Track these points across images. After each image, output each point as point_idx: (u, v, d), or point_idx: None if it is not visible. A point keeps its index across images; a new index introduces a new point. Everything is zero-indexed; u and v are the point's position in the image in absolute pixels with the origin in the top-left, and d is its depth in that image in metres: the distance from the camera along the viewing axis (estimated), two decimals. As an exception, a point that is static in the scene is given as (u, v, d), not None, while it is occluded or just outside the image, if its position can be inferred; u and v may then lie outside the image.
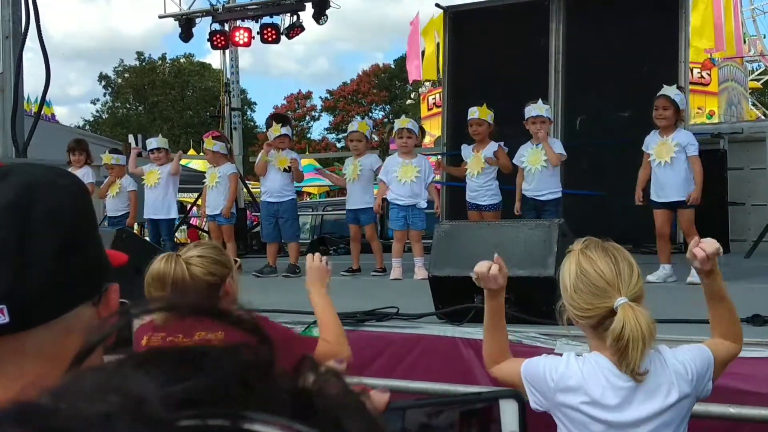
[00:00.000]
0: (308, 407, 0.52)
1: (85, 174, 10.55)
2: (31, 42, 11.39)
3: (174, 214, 10.47)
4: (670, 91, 7.47)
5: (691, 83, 15.19)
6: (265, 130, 10.09)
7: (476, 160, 8.56)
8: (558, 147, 8.17)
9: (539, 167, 8.05)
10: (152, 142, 10.61)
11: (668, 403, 2.60)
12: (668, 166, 7.32)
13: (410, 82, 31.31)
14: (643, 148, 7.55)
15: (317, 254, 3.55)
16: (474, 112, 8.61)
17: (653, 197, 7.51)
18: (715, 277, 2.82)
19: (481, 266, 2.89)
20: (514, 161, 8.33)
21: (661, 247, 7.46)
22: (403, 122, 9.07)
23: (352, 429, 0.52)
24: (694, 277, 6.99)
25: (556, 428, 2.77)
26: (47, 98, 13.02)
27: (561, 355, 2.81)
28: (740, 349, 2.86)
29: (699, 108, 19.26)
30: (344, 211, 9.82)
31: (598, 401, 2.62)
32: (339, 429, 0.52)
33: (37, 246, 1.08)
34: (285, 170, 9.32)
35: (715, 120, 18.99)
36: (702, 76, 19.91)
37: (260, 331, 0.58)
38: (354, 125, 9.73)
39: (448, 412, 0.81)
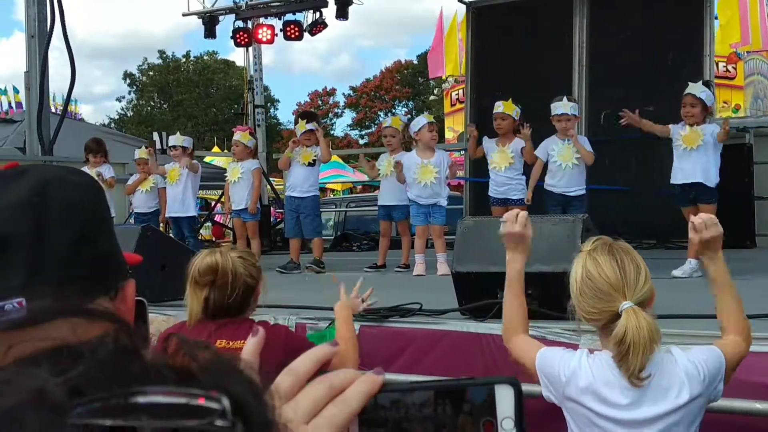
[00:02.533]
0: (188, 375, 0.55)
1: (104, 170, 10.64)
2: (57, 40, 11.45)
3: (193, 211, 10.46)
4: (696, 89, 7.48)
5: (717, 77, 15.05)
6: (288, 126, 10.13)
7: (502, 155, 8.54)
8: (588, 145, 8.18)
9: (570, 164, 8.04)
10: (171, 140, 10.69)
11: (678, 404, 2.59)
12: (694, 151, 7.42)
13: (430, 77, 31.26)
14: (671, 127, 7.64)
15: (355, 291, 3.87)
16: (499, 107, 8.66)
17: (676, 181, 7.59)
18: (715, 261, 2.83)
19: (507, 222, 2.93)
20: (536, 153, 8.32)
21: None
22: (429, 117, 9.17)
23: (230, 387, 0.55)
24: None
25: (565, 422, 2.77)
26: (72, 96, 13.13)
27: (576, 348, 2.81)
28: (748, 348, 2.84)
29: (725, 102, 19.10)
30: (367, 208, 9.82)
31: (608, 399, 2.61)
32: (220, 387, 0.54)
33: (53, 240, 1.10)
34: (309, 164, 9.34)
35: (741, 114, 18.83)
36: (728, 70, 19.74)
37: (122, 321, 0.62)
38: (387, 120, 9.74)
39: (422, 392, 0.81)
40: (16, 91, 27.15)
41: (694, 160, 7.45)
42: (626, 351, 2.52)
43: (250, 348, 0.89)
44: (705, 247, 2.83)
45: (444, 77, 27.20)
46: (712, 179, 7.43)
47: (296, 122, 9.80)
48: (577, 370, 2.67)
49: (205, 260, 3.39)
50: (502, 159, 8.55)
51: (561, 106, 8.07)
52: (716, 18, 11.01)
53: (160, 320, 5.13)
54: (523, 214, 2.96)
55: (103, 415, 0.49)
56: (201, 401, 0.52)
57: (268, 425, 0.57)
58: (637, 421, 2.59)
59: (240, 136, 9.99)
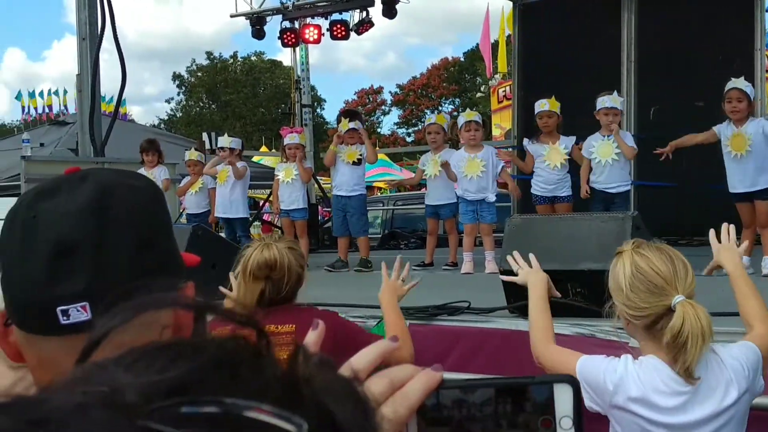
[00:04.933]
0: (296, 394, 0.54)
1: (160, 172, 10.77)
2: (107, 43, 11.61)
3: (244, 212, 10.53)
4: (741, 83, 7.32)
5: (768, 71, 14.82)
6: (335, 125, 10.15)
7: (556, 153, 8.44)
8: (630, 140, 8.07)
9: (610, 160, 7.95)
10: (220, 141, 10.77)
11: (728, 403, 2.57)
12: (744, 158, 7.19)
13: (489, 77, 31.10)
14: (715, 129, 7.44)
15: (395, 272, 3.78)
16: (544, 104, 8.53)
17: (733, 189, 7.36)
18: (740, 274, 2.89)
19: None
20: (582, 152, 8.25)
21: (745, 238, 7.29)
22: (469, 115, 8.97)
23: (338, 414, 0.54)
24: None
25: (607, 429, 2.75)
26: (123, 98, 13.30)
27: (626, 347, 2.79)
28: None
29: (777, 96, 18.76)
30: (414, 206, 9.81)
31: (657, 405, 2.59)
32: (325, 414, 0.54)
33: (115, 244, 1.12)
34: (354, 162, 9.37)
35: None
36: (780, 63, 19.40)
37: (255, 324, 0.61)
38: (432, 117, 9.69)
39: (483, 390, 0.82)
40: (65, 93, 27.55)
41: (745, 165, 7.22)
42: (684, 344, 2.49)
43: (310, 341, 0.90)
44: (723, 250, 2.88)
45: (491, 76, 27.10)
46: None
47: (338, 121, 9.81)
48: (624, 378, 2.63)
49: (262, 255, 3.42)
50: (556, 156, 8.44)
51: (609, 100, 7.98)
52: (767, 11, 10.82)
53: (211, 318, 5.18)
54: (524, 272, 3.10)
55: (206, 420, 0.50)
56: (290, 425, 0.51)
57: None
58: (689, 424, 2.57)
59: (299, 138, 10.02)
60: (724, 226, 2.97)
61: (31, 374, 1.13)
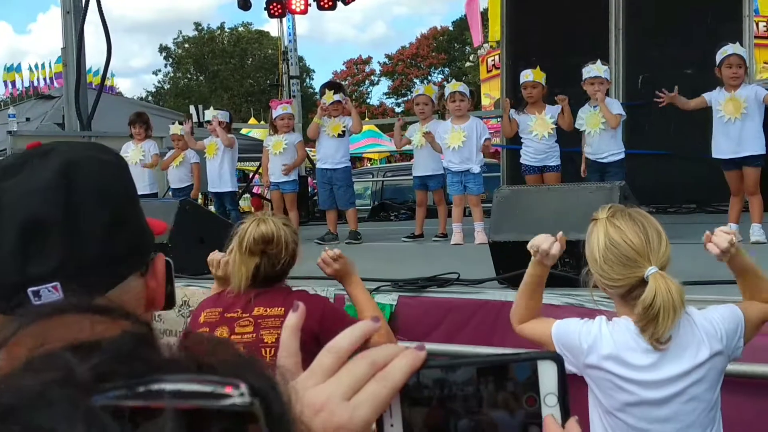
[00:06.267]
0: (207, 366, 0.57)
1: (150, 146, 10.72)
2: (93, 15, 11.52)
3: (232, 186, 10.44)
4: (739, 48, 7.29)
5: (757, 37, 14.79)
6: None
7: (543, 123, 8.42)
8: (616, 107, 8.03)
9: (598, 130, 7.93)
10: (207, 114, 10.69)
11: (698, 361, 2.60)
12: (738, 121, 7.14)
13: (475, 46, 30.94)
14: (706, 97, 7.38)
15: (329, 252, 3.75)
16: (528, 75, 8.49)
17: (719, 155, 7.31)
18: (735, 257, 2.79)
19: (543, 242, 2.89)
20: (575, 125, 8.22)
21: (734, 205, 7.31)
22: (454, 86, 8.92)
23: (248, 378, 0.56)
24: (758, 236, 6.89)
25: (583, 391, 2.77)
26: (110, 71, 13.21)
27: (593, 319, 2.80)
28: None
29: (765, 63, 18.73)
30: (404, 177, 9.78)
31: (630, 363, 2.62)
32: (238, 377, 0.56)
33: (85, 221, 1.10)
34: (339, 135, 9.34)
35: (783, 74, 18.48)
36: (768, 30, 19.38)
37: (137, 318, 0.65)
38: (420, 89, 9.63)
39: (465, 369, 0.81)
40: (49, 67, 27.33)
41: (738, 130, 7.16)
42: (655, 316, 2.52)
43: (291, 323, 0.90)
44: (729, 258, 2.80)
45: (480, 45, 26.99)
46: (760, 145, 7.16)
47: (322, 93, 9.75)
48: (598, 338, 2.68)
49: (259, 228, 3.39)
50: (542, 126, 8.42)
51: (594, 69, 7.94)
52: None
53: (201, 293, 5.15)
54: (557, 246, 2.88)
55: (127, 398, 0.52)
56: (221, 387, 0.54)
57: (285, 415, 0.59)
58: (660, 381, 2.60)
59: (290, 108, 9.99)
60: (717, 233, 2.80)
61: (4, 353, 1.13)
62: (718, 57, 7.26)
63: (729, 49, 7.26)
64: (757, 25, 16.23)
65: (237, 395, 0.54)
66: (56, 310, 0.67)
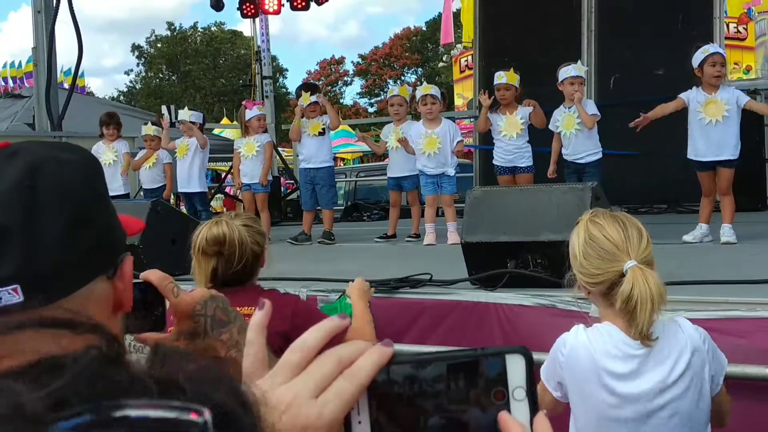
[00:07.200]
0: (172, 385, 0.56)
1: (121, 146, 10.64)
2: (65, 14, 11.42)
3: (201, 186, 10.33)
4: (720, 48, 7.33)
5: (727, 38, 14.93)
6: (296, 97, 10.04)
7: (512, 123, 8.42)
8: (591, 108, 8.05)
9: (573, 131, 7.95)
10: (180, 114, 10.62)
11: (680, 369, 2.56)
12: (719, 124, 7.08)
13: (442, 44, 31.04)
14: (683, 97, 7.29)
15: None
16: (501, 77, 8.45)
17: (697, 157, 7.23)
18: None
19: None
20: (549, 126, 8.22)
21: (705, 206, 7.29)
22: (425, 89, 8.86)
23: (216, 396, 0.56)
24: (729, 237, 6.92)
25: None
26: (81, 70, 13.10)
27: (586, 317, 2.80)
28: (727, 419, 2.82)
29: (735, 63, 18.91)
30: (377, 177, 9.77)
31: (608, 369, 2.59)
32: (205, 398, 0.55)
33: (47, 223, 1.09)
34: (319, 133, 9.32)
35: (752, 75, 18.67)
36: (738, 31, 19.56)
37: (103, 330, 0.64)
38: (395, 89, 9.61)
39: (435, 365, 0.81)
40: (19, 66, 27.10)
41: (720, 133, 7.10)
42: (633, 308, 2.51)
43: (257, 321, 0.89)
44: None
45: (452, 44, 27.04)
46: (737, 148, 7.11)
47: (298, 95, 9.72)
48: (574, 345, 2.65)
49: (211, 231, 3.39)
50: (512, 127, 8.44)
51: (574, 69, 7.90)
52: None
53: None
54: None
55: (90, 426, 0.50)
56: (186, 413, 0.52)
57: None
58: (641, 394, 2.57)
59: (262, 110, 9.99)
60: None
61: None
62: (699, 56, 7.17)
63: (711, 48, 7.23)
64: (727, 26, 16.38)
65: (201, 423, 0.53)
66: (17, 327, 0.65)
